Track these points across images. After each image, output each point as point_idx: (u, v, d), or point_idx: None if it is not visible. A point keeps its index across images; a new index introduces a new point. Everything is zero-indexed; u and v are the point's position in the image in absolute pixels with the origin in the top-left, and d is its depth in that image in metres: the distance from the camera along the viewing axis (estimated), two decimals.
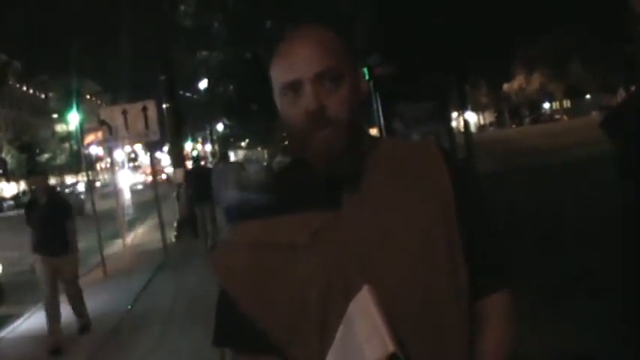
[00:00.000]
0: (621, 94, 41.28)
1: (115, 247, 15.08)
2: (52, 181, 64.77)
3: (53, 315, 6.88)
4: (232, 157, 41.27)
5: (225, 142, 46.43)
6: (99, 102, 74.82)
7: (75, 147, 62.72)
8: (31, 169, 8.55)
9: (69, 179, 69.07)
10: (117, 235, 15.68)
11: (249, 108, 23.50)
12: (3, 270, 10.08)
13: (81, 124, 14.81)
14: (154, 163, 17.80)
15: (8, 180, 63.52)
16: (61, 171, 74.25)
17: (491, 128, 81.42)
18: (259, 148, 53.61)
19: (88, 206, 22.23)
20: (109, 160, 44.20)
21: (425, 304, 1.19)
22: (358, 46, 9.81)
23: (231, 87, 24.12)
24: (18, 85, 77.96)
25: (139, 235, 17.84)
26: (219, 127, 45.64)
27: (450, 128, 9.43)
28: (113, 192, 18.31)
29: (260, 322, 1.24)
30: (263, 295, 1.24)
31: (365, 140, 1.33)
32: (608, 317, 4.09)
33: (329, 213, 1.24)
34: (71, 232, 7.08)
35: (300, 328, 1.21)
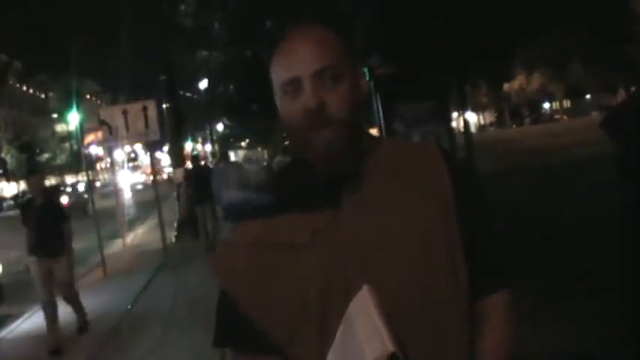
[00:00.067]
0: (621, 95, 41.28)
1: (115, 247, 15.08)
2: (52, 180, 64.87)
3: (51, 316, 6.88)
4: (232, 157, 41.29)
5: (225, 142, 46.46)
6: (99, 102, 74.79)
7: (75, 147, 62.80)
8: (31, 170, 8.55)
9: (69, 179, 69.04)
10: (117, 235, 15.68)
11: (249, 108, 23.49)
12: (3, 270, 10.09)
13: (81, 124, 14.79)
14: (154, 162, 17.81)
15: (8, 180, 63.53)
16: (61, 171, 74.29)
17: (492, 128, 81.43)
18: (259, 148, 53.59)
19: (103, 204, 22.27)
20: (109, 160, 44.24)
21: (425, 305, 1.19)
22: (358, 46, 9.81)
23: (232, 87, 24.11)
24: (18, 85, 77.99)
25: (139, 235, 17.84)
26: (220, 127, 45.64)
27: (450, 128, 9.43)
28: (113, 192, 18.30)
29: (260, 321, 1.24)
30: (263, 295, 1.24)
31: (365, 140, 1.33)
32: (608, 317, 4.09)
33: (329, 213, 1.24)
34: (67, 235, 7.08)
35: (300, 328, 1.21)
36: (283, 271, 1.23)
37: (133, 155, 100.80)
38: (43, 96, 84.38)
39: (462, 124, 13.50)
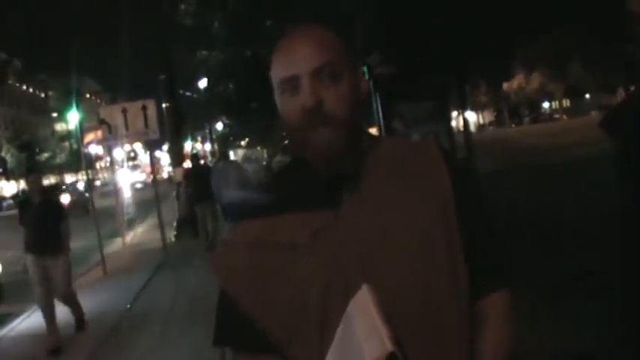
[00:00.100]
0: (621, 94, 41.27)
1: (115, 246, 15.08)
2: (52, 180, 64.85)
3: (49, 315, 6.86)
4: (232, 156, 41.28)
5: (225, 141, 46.46)
6: (99, 101, 74.79)
7: (74, 146, 62.72)
8: (30, 169, 8.51)
9: (68, 178, 69.03)
10: (116, 234, 15.68)
11: (248, 107, 23.48)
12: (3, 269, 10.08)
13: (80, 123, 14.80)
14: (154, 161, 17.81)
15: (8, 179, 63.51)
16: (61, 170, 74.26)
17: (491, 128, 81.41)
18: (259, 148, 53.60)
19: (102, 203, 22.26)
20: (108, 159, 44.22)
21: (425, 304, 1.19)
22: (358, 46, 9.81)
23: (231, 86, 24.11)
24: (17, 84, 77.94)
25: (138, 234, 17.84)
26: (219, 126, 45.64)
27: (450, 128, 9.43)
28: (113, 191, 18.30)
29: (260, 321, 1.24)
30: (263, 295, 1.24)
31: (365, 140, 1.33)
32: (607, 317, 4.10)
33: (329, 213, 1.24)
34: (65, 233, 7.04)
35: (300, 328, 1.21)
36: (283, 271, 1.23)
37: (132, 154, 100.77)
38: (42, 95, 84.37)
39: (461, 123, 13.51)
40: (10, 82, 72.83)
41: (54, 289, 7.02)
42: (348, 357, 1.10)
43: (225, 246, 1.36)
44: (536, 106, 79.88)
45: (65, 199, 31.92)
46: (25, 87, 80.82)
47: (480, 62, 13.48)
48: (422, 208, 1.24)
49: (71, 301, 7.37)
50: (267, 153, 40.39)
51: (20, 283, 9.78)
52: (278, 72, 1.27)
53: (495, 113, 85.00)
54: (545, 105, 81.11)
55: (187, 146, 32.37)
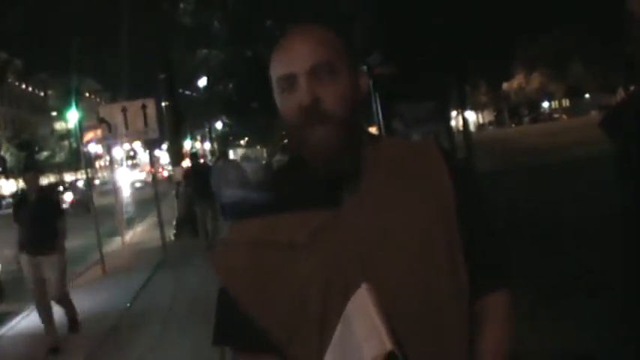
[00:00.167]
0: (620, 94, 41.29)
1: (114, 244, 15.08)
2: (52, 178, 64.84)
3: (46, 315, 6.81)
4: (231, 155, 41.26)
5: (225, 140, 46.44)
6: (98, 100, 74.75)
7: (74, 145, 62.64)
8: (27, 167, 8.43)
9: (68, 177, 69.00)
10: (116, 232, 15.68)
11: (248, 106, 23.51)
12: (2, 267, 10.08)
13: (80, 122, 14.81)
14: (154, 160, 17.81)
15: (7, 178, 63.49)
16: (60, 169, 74.22)
17: (491, 127, 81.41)
18: (258, 147, 53.60)
19: (102, 201, 22.25)
20: (108, 157, 44.22)
21: (425, 304, 1.19)
22: (358, 46, 9.81)
23: (231, 85, 24.13)
24: (17, 83, 77.90)
25: (138, 233, 17.84)
26: (219, 125, 45.62)
27: (450, 128, 9.43)
28: (112, 190, 18.30)
29: (260, 320, 1.24)
30: (262, 294, 1.24)
31: (364, 139, 1.33)
32: (607, 317, 4.09)
33: (328, 212, 1.24)
34: (61, 232, 6.92)
35: (300, 327, 1.21)
36: (282, 271, 1.23)
37: (132, 153, 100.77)
38: (42, 94, 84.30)
39: (461, 123, 13.51)
40: (9, 81, 72.81)
41: (48, 289, 6.94)
42: (347, 356, 1.10)
43: (225, 245, 1.36)
44: (535, 105, 79.88)
45: (68, 197, 32.02)
46: (24, 86, 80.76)
47: (480, 62, 13.48)
48: (422, 208, 1.24)
49: (64, 302, 7.26)
50: (267, 152, 40.41)
51: (20, 282, 9.78)
52: (277, 70, 1.28)
53: (495, 113, 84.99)
54: (545, 105, 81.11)
55: (187, 145, 32.37)
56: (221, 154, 13.79)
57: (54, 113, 77.91)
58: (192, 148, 34.11)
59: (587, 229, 7.35)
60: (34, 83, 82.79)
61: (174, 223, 15.45)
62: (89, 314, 7.74)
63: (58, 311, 7.18)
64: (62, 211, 7.19)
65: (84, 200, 25.78)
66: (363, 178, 1.27)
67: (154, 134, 12.15)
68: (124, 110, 11.68)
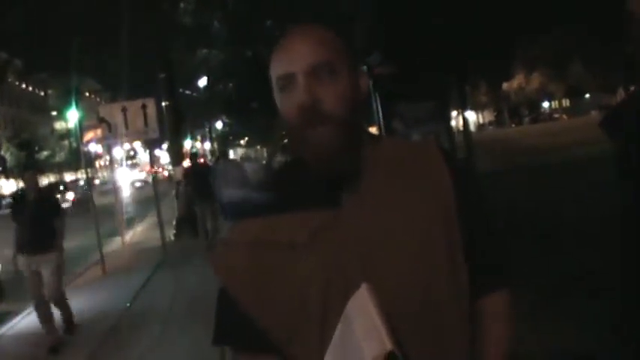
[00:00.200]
0: (621, 94, 41.30)
1: (114, 244, 15.08)
2: (52, 178, 64.83)
3: (45, 315, 6.79)
4: (231, 155, 41.28)
5: (225, 140, 46.46)
6: (98, 99, 74.81)
7: (74, 144, 62.67)
8: (25, 166, 8.29)
9: (68, 177, 69.00)
10: (116, 232, 15.68)
11: (248, 106, 23.50)
12: (2, 267, 10.07)
13: (80, 122, 14.81)
14: (154, 160, 17.80)
15: (7, 177, 63.50)
16: (60, 168, 74.23)
17: (491, 127, 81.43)
18: (258, 147, 53.63)
19: (102, 201, 22.23)
20: (107, 157, 44.22)
21: (425, 304, 1.19)
22: (358, 46, 9.81)
23: (231, 85, 24.13)
24: (17, 83, 77.90)
25: (138, 233, 17.84)
26: (219, 125, 45.63)
27: (450, 128, 9.43)
28: (112, 189, 18.31)
29: (259, 320, 1.24)
30: (262, 294, 1.24)
31: (365, 139, 1.33)
32: (607, 317, 4.09)
33: (328, 212, 1.24)
34: (59, 232, 6.87)
35: (300, 327, 1.21)
36: (282, 271, 1.23)
37: (132, 153, 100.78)
38: (42, 93, 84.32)
39: (461, 123, 13.51)
40: (9, 81, 72.82)
41: (45, 288, 6.88)
42: (347, 356, 1.10)
43: (225, 245, 1.36)
44: (536, 105, 79.90)
45: (69, 196, 32.11)
46: (24, 86, 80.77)
47: (480, 62, 13.47)
48: (422, 208, 1.24)
49: (60, 303, 7.19)
50: (267, 152, 40.42)
51: (20, 282, 9.78)
52: (276, 70, 1.28)
53: (495, 113, 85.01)
54: (545, 105, 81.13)
55: (187, 145, 32.37)
56: (221, 154, 13.79)
57: (54, 113, 77.94)
58: (192, 147, 34.12)
59: (588, 230, 7.35)
60: (34, 83, 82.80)
61: (174, 223, 15.45)
62: (89, 314, 7.74)
63: (56, 312, 7.17)
64: (61, 211, 7.13)
65: (86, 200, 25.87)
66: (363, 178, 1.27)
67: (154, 134, 12.14)
68: (124, 110, 11.68)
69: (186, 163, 15.89)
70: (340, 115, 1.23)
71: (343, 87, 1.25)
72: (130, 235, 16.67)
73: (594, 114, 51.57)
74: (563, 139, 29.23)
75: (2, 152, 63.32)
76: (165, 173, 50.73)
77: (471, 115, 71.24)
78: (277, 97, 1.30)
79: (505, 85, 66.29)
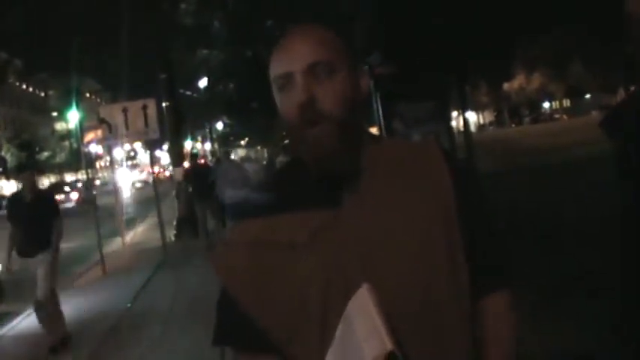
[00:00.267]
0: (621, 94, 41.29)
1: (115, 245, 15.08)
2: (52, 179, 64.84)
3: (42, 317, 6.72)
4: (232, 156, 41.22)
5: (225, 141, 46.47)
6: (99, 100, 74.86)
7: (75, 145, 62.76)
8: (22, 166, 8.14)
9: (68, 177, 69.04)
10: (116, 233, 15.68)
11: (249, 106, 23.53)
12: (3, 267, 10.07)
13: (81, 122, 14.83)
14: (154, 161, 17.82)
15: (8, 178, 63.50)
16: (61, 169, 74.24)
17: (491, 128, 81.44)
18: (259, 147, 53.63)
19: (102, 201, 22.19)
20: (108, 158, 44.23)
21: (425, 304, 1.19)
22: (358, 46, 9.81)
23: (232, 85, 24.14)
24: (18, 84, 77.90)
25: (138, 233, 17.85)
26: (219, 125, 45.65)
27: (450, 128, 9.44)
28: (112, 190, 18.32)
29: (259, 320, 1.24)
30: (262, 294, 1.24)
31: (365, 139, 1.33)
32: (608, 317, 4.09)
33: (328, 212, 1.24)
34: (57, 233, 6.75)
35: (300, 327, 1.21)
36: (282, 271, 1.24)
37: (132, 154, 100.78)
38: (42, 94, 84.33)
39: (461, 123, 13.51)
40: (10, 81, 72.82)
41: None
42: (348, 356, 1.10)
43: (225, 245, 1.36)
44: (536, 106, 79.92)
45: (74, 196, 32.15)
46: (25, 86, 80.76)
47: (480, 62, 13.47)
48: (422, 208, 1.24)
49: (53, 310, 6.86)
50: (268, 152, 40.44)
51: (20, 282, 9.78)
52: (275, 69, 1.28)
53: (496, 113, 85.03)
54: (546, 105, 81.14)
55: (188, 145, 32.39)
56: (224, 154, 13.81)
57: (54, 113, 78.00)
58: (192, 148, 34.12)
59: (588, 230, 7.36)
60: (34, 83, 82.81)
61: (174, 223, 15.46)
62: (89, 314, 7.74)
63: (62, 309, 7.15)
64: (58, 212, 7.01)
65: (89, 199, 25.95)
66: (363, 178, 1.27)
67: (155, 135, 12.15)
68: (124, 111, 11.68)
69: (187, 163, 15.90)
70: (339, 114, 1.23)
71: (343, 86, 1.25)
72: (130, 236, 16.67)
73: (595, 114, 51.55)
74: (563, 139, 29.23)
75: (3, 153, 63.31)
76: (167, 174, 50.83)
77: (472, 116, 71.27)
78: (277, 96, 1.30)
79: (505, 86, 66.31)
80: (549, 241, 7.44)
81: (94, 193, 15.51)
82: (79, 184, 40.71)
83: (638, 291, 2.47)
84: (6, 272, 6.92)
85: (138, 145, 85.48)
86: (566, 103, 78.17)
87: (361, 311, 1.12)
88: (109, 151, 19.80)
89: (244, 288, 1.26)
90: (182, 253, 12.30)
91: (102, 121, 11.75)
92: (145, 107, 11.70)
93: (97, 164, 79.35)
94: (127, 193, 39.06)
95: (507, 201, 9.96)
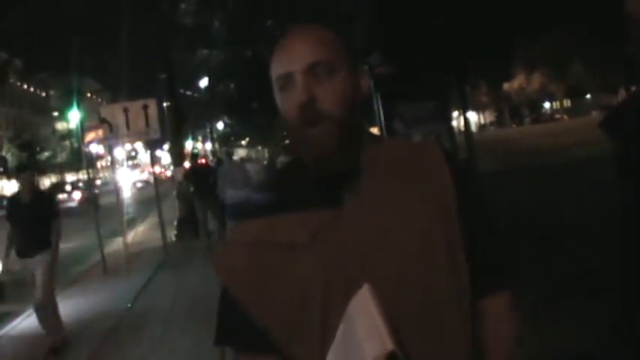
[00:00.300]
0: (622, 94, 41.29)
1: (115, 245, 15.07)
2: (53, 179, 64.86)
3: (42, 316, 6.73)
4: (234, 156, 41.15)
5: (226, 141, 46.47)
6: (99, 100, 74.91)
7: (75, 145, 62.78)
8: (21, 166, 8.11)
9: (69, 177, 69.04)
10: (117, 232, 15.67)
11: (249, 106, 23.54)
12: (2, 268, 10.07)
13: (81, 122, 14.79)
14: (155, 161, 17.82)
15: (9, 178, 63.53)
16: (62, 169, 74.27)
17: (492, 128, 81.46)
18: (260, 147, 53.64)
19: (103, 200, 22.21)
20: (109, 158, 44.27)
21: (425, 304, 1.19)
22: (358, 46, 9.81)
23: (232, 85, 24.15)
24: (19, 84, 77.94)
25: (139, 233, 17.84)
26: (220, 125, 45.65)
27: (451, 128, 9.44)
28: (113, 190, 18.33)
29: (260, 320, 1.24)
30: (263, 294, 1.24)
31: (365, 139, 1.33)
32: (608, 317, 4.10)
33: (329, 212, 1.24)
34: (56, 233, 6.72)
35: (300, 327, 1.21)
36: (282, 271, 1.24)
37: (133, 153, 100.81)
38: (43, 94, 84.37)
39: (462, 123, 13.50)
40: (11, 81, 72.86)
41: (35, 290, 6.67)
42: (348, 356, 1.10)
43: (225, 245, 1.36)
44: (537, 106, 79.94)
45: (76, 195, 32.18)
46: (26, 86, 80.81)
47: (480, 62, 13.47)
48: (422, 208, 1.24)
49: (48, 307, 6.77)
50: (268, 153, 40.45)
51: (21, 282, 9.78)
52: (276, 69, 1.29)
53: (496, 113, 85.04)
54: (546, 105, 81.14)
55: (188, 145, 32.41)
56: (226, 155, 13.81)
57: (55, 113, 78.02)
58: (193, 148, 34.15)
59: (588, 230, 7.36)
60: (35, 83, 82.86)
61: (175, 223, 15.45)
62: (90, 314, 7.74)
63: (61, 309, 7.15)
64: (57, 212, 6.99)
65: (92, 199, 25.97)
66: (363, 178, 1.27)
67: (156, 135, 12.15)
68: (125, 110, 11.68)
69: (187, 163, 15.90)
70: (339, 114, 1.23)
71: (343, 86, 1.25)
72: (131, 236, 16.66)
73: (595, 114, 51.58)
74: (564, 139, 29.23)
75: (4, 153, 63.36)
76: (168, 173, 50.95)
77: (473, 116, 71.27)
78: (277, 96, 1.30)
79: (506, 86, 66.34)
80: (550, 241, 7.45)
81: (97, 192, 15.50)
82: (80, 184, 40.72)
83: (638, 291, 2.47)
84: (5, 273, 6.88)
85: (139, 145, 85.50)
86: (567, 103, 78.18)
87: (362, 311, 1.12)
88: (109, 150, 19.82)
89: (244, 288, 1.26)
90: (183, 253, 12.31)
91: (103, 121, 11.74)
92: (145, 107, 11.70)
93: (98, 164, 79.40)
94: (127, 193, 39.09)
95: (508, 201, 9.96)
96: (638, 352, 2.54)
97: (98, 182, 59.55)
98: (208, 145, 53.58)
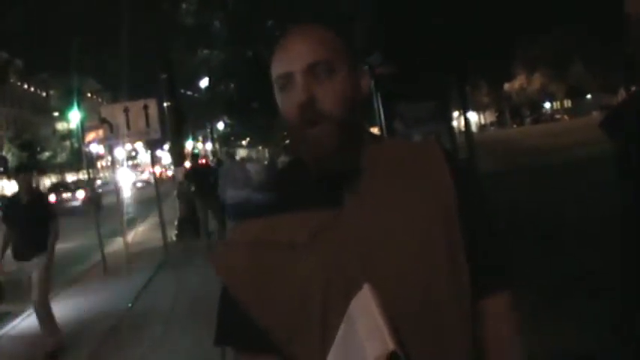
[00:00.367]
0: (622, 94, 41.28)
1: (116, 244, 15.08)
2: (53, 179, 64.85)
3: (42, 317, 6.72)
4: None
5: (226, 141, 46.47)
6: (100, 100, 74.94)
7: (76, 145, 62.75)
8: (19, 167, 8.10)
9: (69, 177, 69.03)
10: (117, 232, 15.68)
11: (250, 106, 23.54)
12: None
13: (82, 122, 14.80)
14: (155, 161, 17.82)
15: (9, 178, 63.55)
16: (62, 169, 74.25)
17: (492, 128, 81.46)
18: (260, 147, 53.64)
19: (106, 200, 22.20)
20: (109, 158, 44.27)
21: (425, 304, 1.19)
22: (358, 46, 9.81)
23: (232, 85, 24.15)
24: (19, 84, 77.91)
25: (139, 233, 17.84)
26: (220, 125, 45.65)
27: (451, 128, 9.44)
28: (114, 190, 18.33)
29: (260, 320, 1.24)
30: (263, 294, 1.24)
31: (365, 139, 1.33)
32: (608, 317, 4.10)
33: (329, 212, 1.24)
34: (53, 234, 6.73)
35: (300, 327, 1.21)
36: (282, 271, 1.24)
37: (133, 153, 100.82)
38: (44, 94, 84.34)
39: (462, 123, 13.50)
40: (11, 81, 72.84)
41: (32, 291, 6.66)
42: (349, 356, 1.10)
43: (226, 245, 1.36)
44: (537, 106, 79.91)
45: (79, 195, 32.22)
46: (26, 86, 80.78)
47: (481, 62, 13.47)
48: (422, 208, 1.24)
49: (42, 310, 6.78)
50: (269, 152, 40.45)
51: (20, 282, 9.78)
52: (276, 69, 1.29)
53: (497, 114, 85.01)
54: (547, 105, 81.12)
55: (189, 146, 32.40)
56: (227, 155, 13.82)
57: (56, 113, 77.98)
58: (194, 148, 34.15)
59: (589, 230, 7.36)
60: (35, 83, 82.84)
61: (176, 223, 15.46)
62: (90, 314, 7.74)
63: (61, 310, 7.15)
64: (54, 214, 6.97)
65: (94, 198, 25.98)
66: (364, 178, 1.27)
67: (156, 135, 12.15)
68: (125, 110, 11.68)
69: (188, 163, 15.90)
70: (339, 114, 1.23)
71: (342, 86, 1.25)
72: (131, 236, 16.66)
73: (595, 114, 51.55)
74: (564, 139, 29.23)
75: (4, 153, 63.34)
76: (169, 173, 50.99)
77: (473, 116, 71.27)
78: (278, 96, 1.30)
79: (506, 86, 66.31)
80: (550, 241, 7.45)
81: (100, 191, 15.51)
82: (80, 185, 40.77)
83: (638, 291, 2.48)
84: (1, 274, 6.89)
85: (139, 145, 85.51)
86: (567, 103, 78.17)
87: (363, 311, 1.12)
88: (110, 151, 19.80)
89: (245, 288, 1.26)
90: (183, 253, 12.31)
91: (103, 121, 11.75)
92: (146, 107, 11.71)
93: (99, 164, 79.39)
94: (128, 193, 39.08)
95: (508, 201, 9.96)
96: (638, 352, 2.54)
97: (98, 182, 59.61)
98: (209, 145, 53.60)
